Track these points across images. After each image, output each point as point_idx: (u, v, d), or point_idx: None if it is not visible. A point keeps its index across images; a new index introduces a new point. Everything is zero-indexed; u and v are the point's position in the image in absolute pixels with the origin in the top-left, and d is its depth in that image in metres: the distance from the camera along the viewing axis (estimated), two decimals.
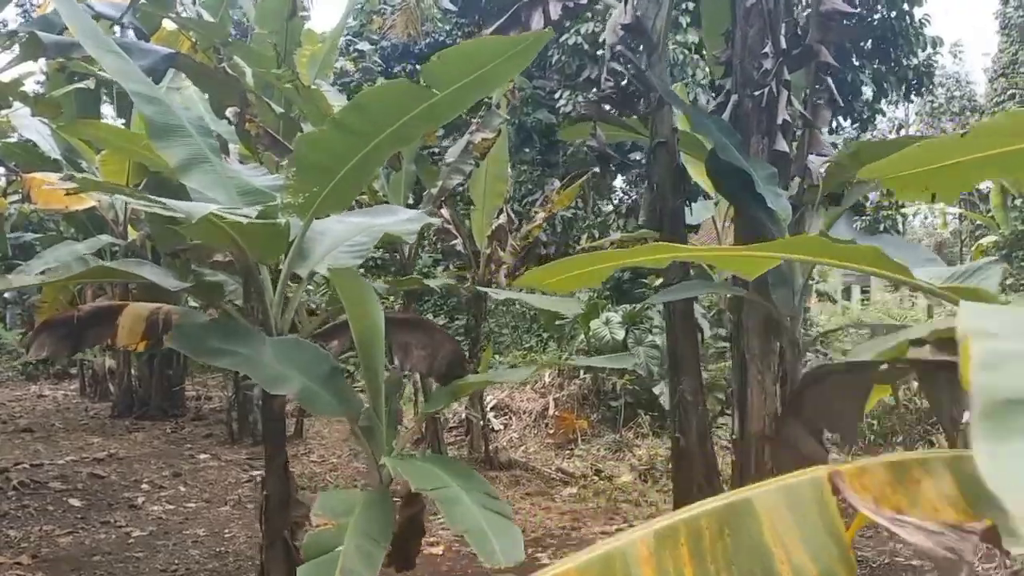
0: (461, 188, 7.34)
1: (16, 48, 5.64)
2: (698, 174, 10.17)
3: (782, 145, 4.77)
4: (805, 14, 5.03)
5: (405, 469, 2.86)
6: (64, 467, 7.50)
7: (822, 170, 5.06)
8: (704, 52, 12.43)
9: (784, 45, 4.79)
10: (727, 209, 9.91)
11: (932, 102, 31.29)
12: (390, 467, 2.90)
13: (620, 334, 8.48)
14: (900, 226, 29.97)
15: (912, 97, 12.95)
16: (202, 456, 8.07)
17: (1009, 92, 29.55)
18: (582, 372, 8.66)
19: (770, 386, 4.79)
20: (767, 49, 4.85)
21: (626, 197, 11.25)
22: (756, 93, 4.80)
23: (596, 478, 6.98)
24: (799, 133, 5.00)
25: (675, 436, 5.11)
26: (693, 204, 11.25)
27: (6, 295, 19.02)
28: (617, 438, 7.96)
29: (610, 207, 13.19)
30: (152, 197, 2.93)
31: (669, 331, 5.23)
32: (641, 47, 5.28)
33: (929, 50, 12.01)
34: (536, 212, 7.54)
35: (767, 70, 4.81)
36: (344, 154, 3.36)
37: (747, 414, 4.84)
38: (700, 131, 4.97)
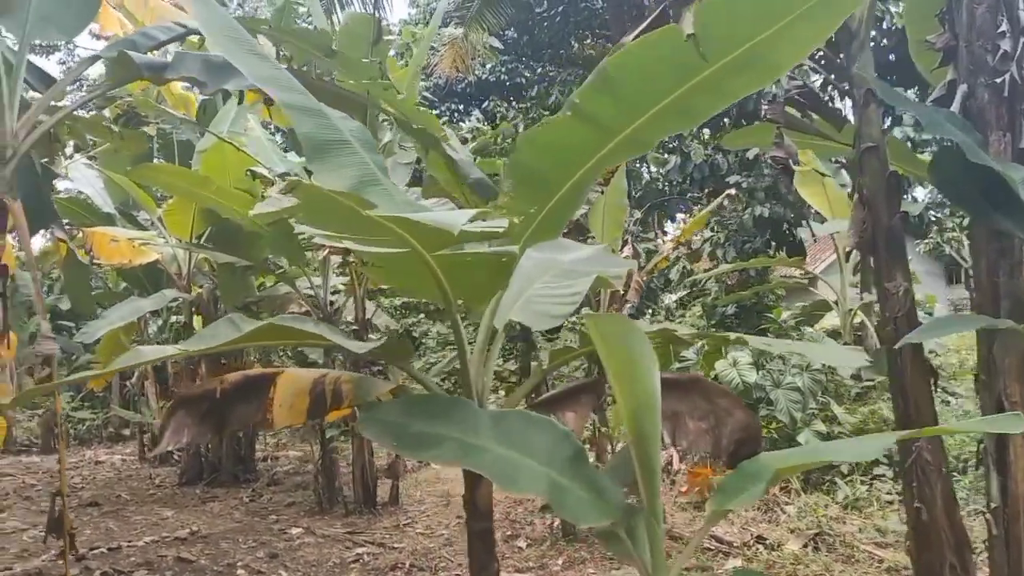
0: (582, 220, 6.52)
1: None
2: (811, 194, 9.36)
3: None
4: None
5: None
6: (145, 550, 6.66)
7: None
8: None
9: None
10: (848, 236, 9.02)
11: None
12: None
13: (751, 376, 7.55)
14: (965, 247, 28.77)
15: None
16: (294, 531, 7.20)
17: None
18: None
19: None
20: (1003, 28, 4.01)
21: (718, 225, 10.33)
22: (997, 81, 3.95)
23: (760, 547, 6.01)
24: None
25: (915, 506, 4.17)
26: (797, 227, 10.39)
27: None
28: (764, 496, 6.97)
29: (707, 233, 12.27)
30: (406, 216, 2.06)
31: (894, 374, 4.30)
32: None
33: None
34: (663, 243, 6.68)
35: (1006, 52, 3.96)
36: (576, 157, 2.53)
37: (1009, 475, 3.89)
38: (933, 129, 4.11)
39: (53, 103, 4.72)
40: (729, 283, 10.79)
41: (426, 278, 2.48)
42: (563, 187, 2.60)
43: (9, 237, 4.42)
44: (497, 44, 17.98)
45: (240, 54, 2.89)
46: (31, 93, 5.12)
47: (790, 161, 4.65)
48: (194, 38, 5.71)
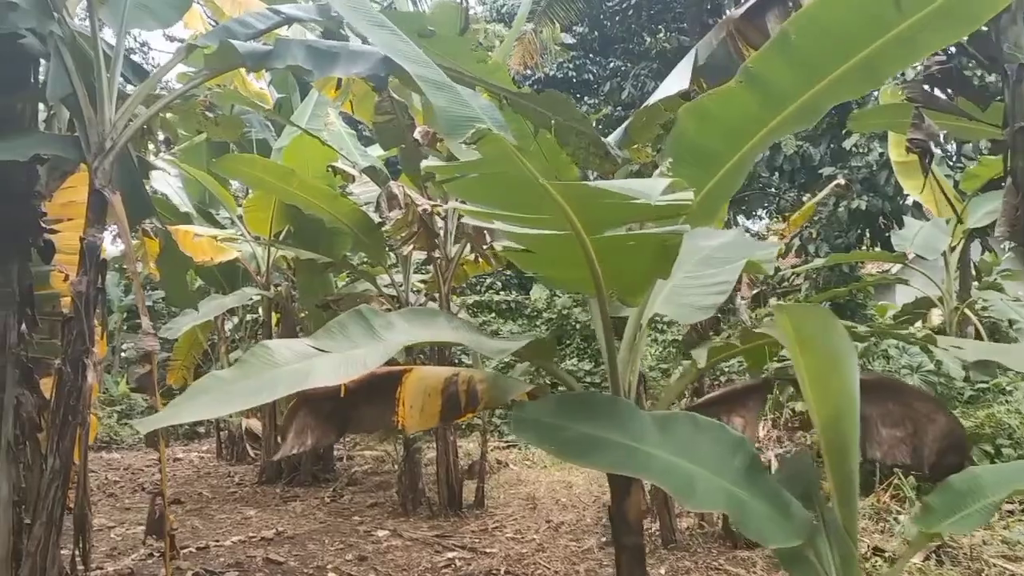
0: None
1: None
2: (914, 187, 8.87)
3: None
4: None
5: None
6: (234, 550, 6.56)
7: None
8: None
9: None
10: (955, 229, 8.52)
11: None
12: None
13: None
14: None
15: None
16: (380, 533, 7.03)
17: None
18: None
19: None
20: None
21: (816, 218, 9.86)
22: None
23: (878, 559, 5.62)
24: None
25: None
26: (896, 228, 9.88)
27: (123, 354, 18.74)
28: (875, 503, 6.57)
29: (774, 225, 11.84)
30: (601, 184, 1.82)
31: None
32: None
33: None
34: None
35: None
36: (744, 129, 2.27)
37: None
38: None
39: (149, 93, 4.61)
40: (815, 279, 10.34)
41: (579, 266, 2.23)
42: (727, 164, 2.34)
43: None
44: (569, 40, 17.65)
45: (366, 25, 2.70)
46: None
47: (930, 144, 4.31)
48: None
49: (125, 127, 4.36)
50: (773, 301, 11.25)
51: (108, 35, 4.77)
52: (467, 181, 2.02)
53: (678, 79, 4.27)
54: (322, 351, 2.21)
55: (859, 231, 9.55)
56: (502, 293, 15.93)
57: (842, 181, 7.11)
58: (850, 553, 2.04)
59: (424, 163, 2.00)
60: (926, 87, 4.24)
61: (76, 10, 4.76)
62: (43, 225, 4.48)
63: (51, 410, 4.14)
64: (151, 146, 6.11)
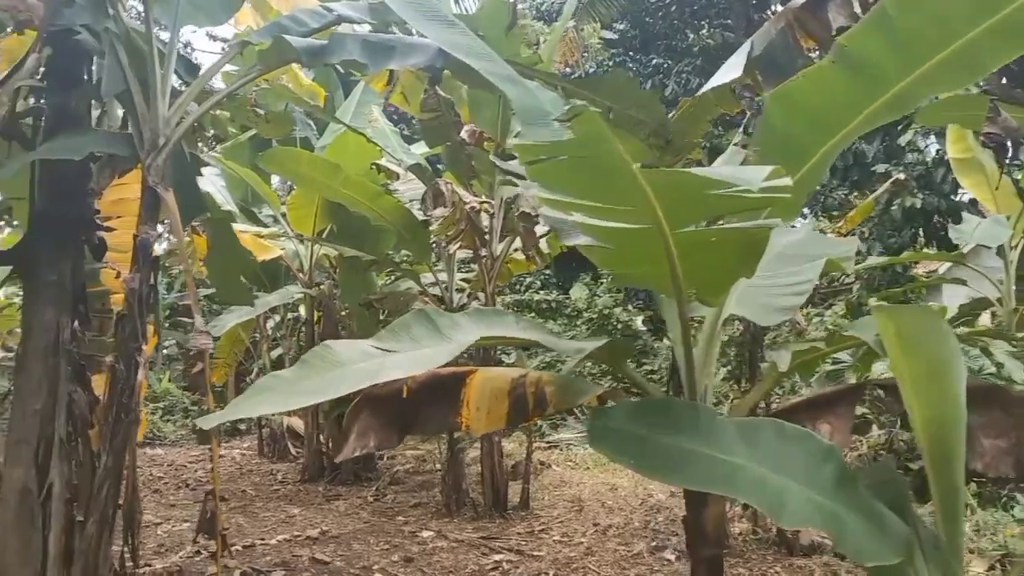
0: None
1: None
2: (972, 184, 8.61)
3: None
4: None
5: None
6: (279, 549, 6.55)
7: None
8: None
9: None
10: (1018, 224, 8.23)
11: None
12: None
13: None
14: None
15: None
16: (425, 534, 6.97)
17: None
18: (875, 428, 7.13)
19: None
20: None
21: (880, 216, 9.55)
22: None
23: None
24: None
25: None
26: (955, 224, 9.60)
27: (165, 351, 18.92)
28: (932, 510, 6.35)
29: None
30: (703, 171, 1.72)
31: None
32: None
33: None
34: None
35: None
36: (835, 116, 2.14)
37: None
38: None
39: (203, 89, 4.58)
40: (867, 278, 10.09)
41: (658, 262, 2.12)
42: (815, 154, 2.21)
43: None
44: (611, 36, 17.47)
45: (420, 19, 2.61)
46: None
47: (1007, 140, 4.11)
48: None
49: (178, 124, 4.33)
50: (875, 300, 10.97)
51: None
52: (551, 165, 1.91)
53: (731, 69, 4.15)
54: (387, 351, 2.13)
55: (913, 230, 9.28)
56: (542, 292, 15.83)
57: (901, 176, 6.88)
58: (954, 573, 1.90)
59: (511, 141, 1.90)
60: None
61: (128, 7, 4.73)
62: (96, 222, 4.46)
63: (104, 407, 4.13)
64: (200, 143, 6.11)
